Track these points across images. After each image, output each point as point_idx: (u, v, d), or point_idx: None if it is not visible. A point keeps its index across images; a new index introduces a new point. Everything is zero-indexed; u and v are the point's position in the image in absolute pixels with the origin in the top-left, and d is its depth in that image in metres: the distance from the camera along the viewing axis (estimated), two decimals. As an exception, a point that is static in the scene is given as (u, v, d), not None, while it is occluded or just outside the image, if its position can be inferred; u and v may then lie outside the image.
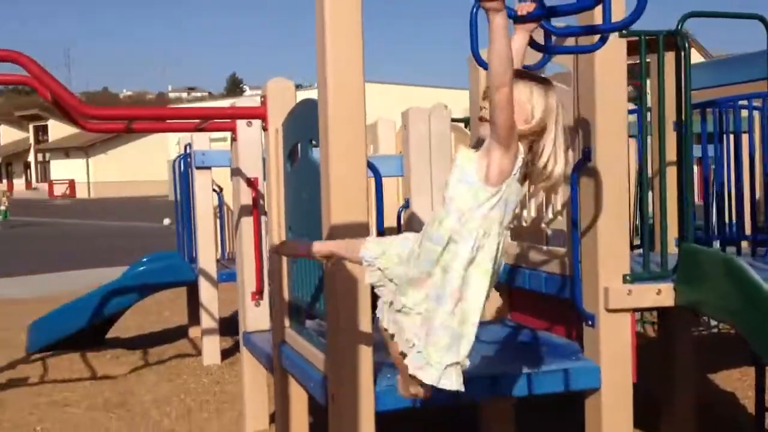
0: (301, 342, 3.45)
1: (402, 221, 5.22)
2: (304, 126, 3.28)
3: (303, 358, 3.35)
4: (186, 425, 4.87)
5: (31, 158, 59.19)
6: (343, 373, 2.82)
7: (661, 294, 3.18)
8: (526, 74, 2.16)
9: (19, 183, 59.90)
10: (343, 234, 2.78)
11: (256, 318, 4.44)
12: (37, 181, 58.57)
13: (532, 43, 2.34)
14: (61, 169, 54.78)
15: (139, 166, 47.25)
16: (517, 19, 2.18)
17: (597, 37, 2.44)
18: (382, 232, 3.56)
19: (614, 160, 3.14)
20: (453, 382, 2.07)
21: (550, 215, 3.68)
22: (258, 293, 4.43)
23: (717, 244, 4.24)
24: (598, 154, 3.13)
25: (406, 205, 5.11)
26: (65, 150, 53.91)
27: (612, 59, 3.12)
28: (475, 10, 2.24)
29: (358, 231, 2.78)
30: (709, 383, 5.41)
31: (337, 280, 2.81)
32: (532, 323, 3.91)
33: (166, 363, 6.50)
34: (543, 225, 3.74)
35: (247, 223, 4.48)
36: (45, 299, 9.74)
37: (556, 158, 2.10)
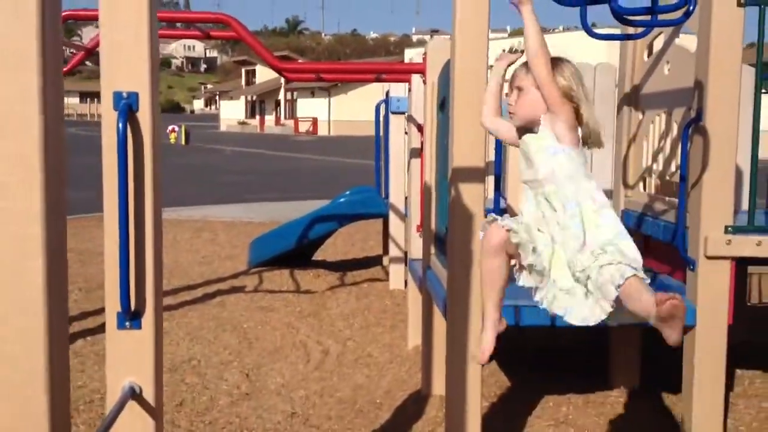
0: (440, 267, 4.03)
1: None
2: (449, 80, 3.79)
3: (439, 281, 3.94)
4: (363, 335, 5.67)
5: (281, 96, 63.91)
6: (457, 291, 3.37)
7: (761, 245, 3.38)
8: None
9: (269, 119, 65.12)
10: (462, 178, 3.31)
11: (419, 247, 5.06)
12: (284, 118, 63.29)
13: (617, 17, 2.68)
14: (307, 107, 58.81)
15: (373, 106, 49.34)
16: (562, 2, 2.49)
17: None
18: (498, 176, 4.01)
19: (724, 120, 3.36)
20: None
21: (672, 168, 3.93)
22: (421, 225, 5.04)
23: None
24: (708, 115, 3.36)
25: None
26: (311, 89, 57.67)
27: (727, 23, 3.31)
28: None
29: (475, 176, 3.29)
30: None
31: (456, 210, 3.34)
32: (659, 268, 4.19)
33: (358, 285, 7.38)
34: (667, 177, 3.99)
35: (416, 164, 5.09)
36: (270, 223, 11.09)
37: (592, 118, 2.30)
